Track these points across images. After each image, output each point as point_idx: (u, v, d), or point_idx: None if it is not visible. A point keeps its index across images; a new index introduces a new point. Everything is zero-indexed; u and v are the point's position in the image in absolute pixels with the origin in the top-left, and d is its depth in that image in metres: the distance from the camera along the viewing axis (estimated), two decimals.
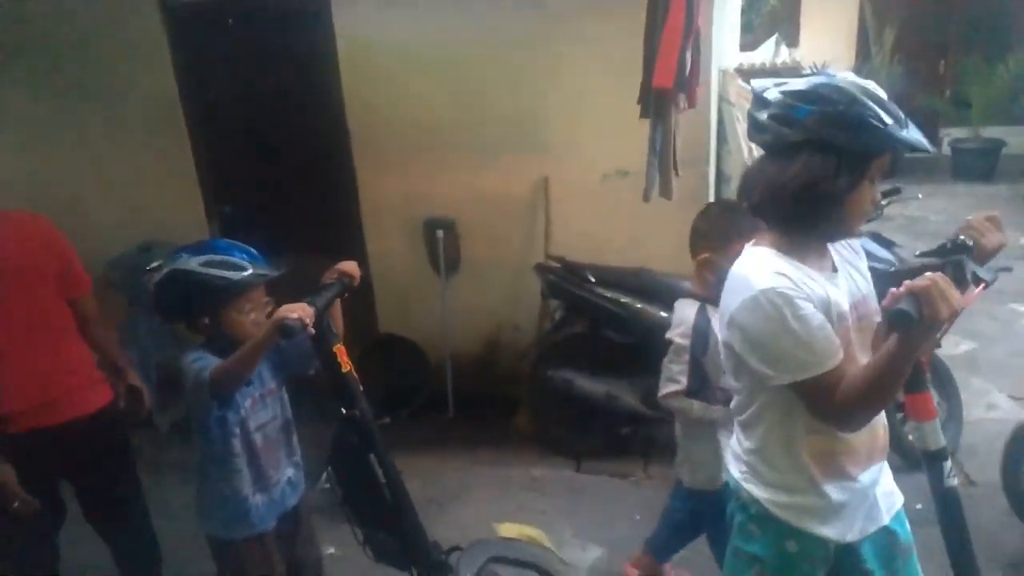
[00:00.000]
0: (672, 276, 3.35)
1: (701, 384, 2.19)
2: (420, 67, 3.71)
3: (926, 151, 1.39)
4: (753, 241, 1.50)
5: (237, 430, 1.89)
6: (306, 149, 4.05)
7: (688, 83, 2.66)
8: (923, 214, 7.10)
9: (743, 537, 1.58)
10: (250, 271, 1.86)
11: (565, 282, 3.36)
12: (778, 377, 1.38)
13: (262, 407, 1.96)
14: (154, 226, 4.04)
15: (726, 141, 3.77)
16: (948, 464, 1.55)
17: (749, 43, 5.00)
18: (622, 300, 3.21)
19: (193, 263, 1.83)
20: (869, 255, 3.20)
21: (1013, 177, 7.80)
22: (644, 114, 2.65)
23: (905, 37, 8.56)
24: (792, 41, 8.25)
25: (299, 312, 1.70)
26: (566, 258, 3.42)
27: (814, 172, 1.32)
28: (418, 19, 3.65)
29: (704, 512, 2.32)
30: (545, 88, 3.61)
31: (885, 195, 3.23)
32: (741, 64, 4.16)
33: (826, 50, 7.91)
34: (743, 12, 5.00)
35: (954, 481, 1.56)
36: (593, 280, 3.28)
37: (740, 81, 3.85)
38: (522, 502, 3.25)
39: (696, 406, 2.18)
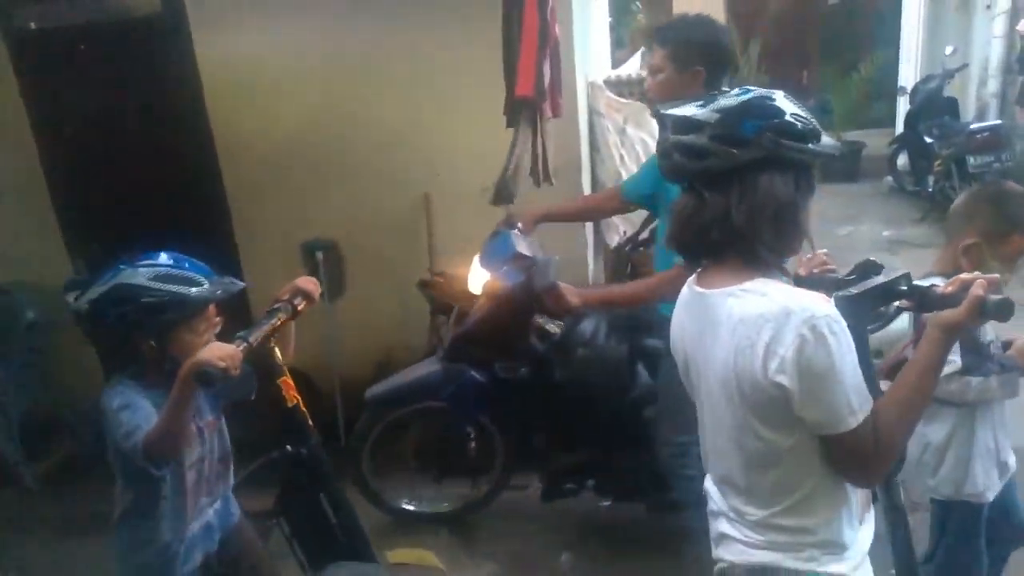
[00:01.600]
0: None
1: (976, 358, 1.89)
2: (287, 83, 3.62)
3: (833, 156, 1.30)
4: (697, 280, 1.36)
5: (167, 473, 1.70)
6: (173, 175, 3.86)
7: (550, 93, 2.72)
8: None
9: None
10: (206, 286, 1.70)
11: (450, 297, 3.34)
12: (832, 427, 1.20)
13: (199, 442, 1.79)
14: (11, 267, 3.76)
15: (598, 150, 3.87)
16: (899, 482, 1.55)
17: (624, 57, 5.18)
18: None
19: (141, 277, 1.64)
20: None
21: (873, 176, 8.39)
22: (510, 124, 2.68)
23: (770, 50, 9.13)
24: None
25: (219, 355, 1.55)
26: (449, 272, 3.41)
27: (782, 190, 1.23)
28: (283, 33, 3.56)
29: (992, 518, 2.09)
30: (421, 101, 3.58)
31: None
32: (610, 76, 4.30)
33: None
34: (614, 28, 5.18)
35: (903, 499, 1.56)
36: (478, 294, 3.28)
37: (609, 93, 3.97)
38: (411, 524, 3.19)
39: (974, 383, 1.90)
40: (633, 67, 4.53)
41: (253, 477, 1.97)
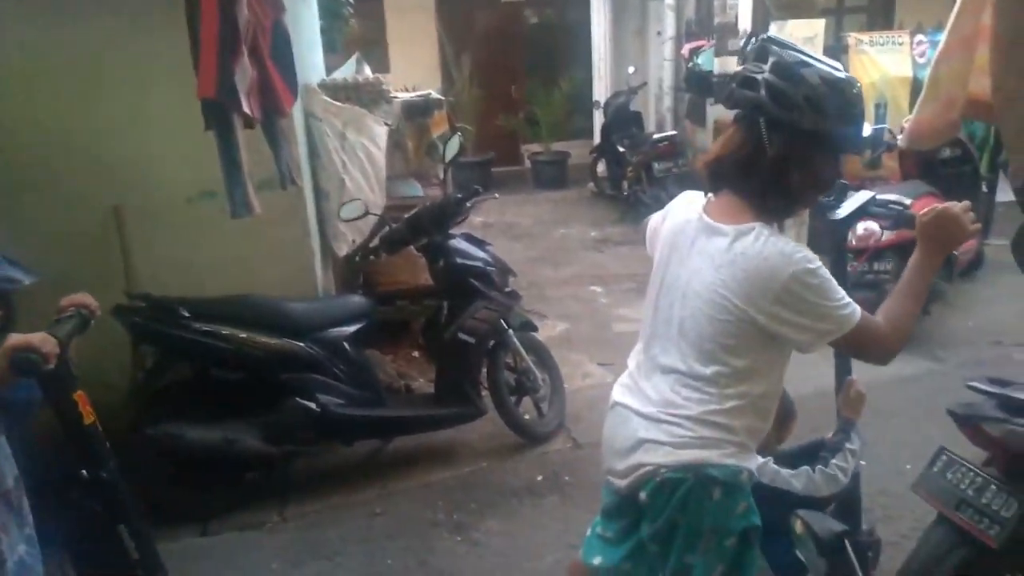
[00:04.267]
0: (282, 298, 3.17)
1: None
2: None
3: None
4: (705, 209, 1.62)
5: None
6: None
7: (258, 93, 2.49)
8: (516, 219, 8.02)
9: (739, 518, 1.60)
10: None
11: (155, 322, 2.91)
12: (839, 331, 1.50)
13: None
14: None
15: (318, 156, 3.69)
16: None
17: (338, 63, 5.03)
18: (224, 333, 2.88)
19: None
20: (462, 253, 3.44)
21: (578, 183, 9.23)
22: (207, 126, 2.40)
23: (480, 65, 9.59)
24: (383, 67, 8.64)
25: (38, 341, 1.43)
26: (152, 295, 2.97)
27: (830, 171, 1.60)
28: None
29: None
30: (109, 108, 3.14)
31: (468, 196, 3.46)
32: (324, 80, 4.14)
33: (415, 75, 8.43)
34: (324, 32, 5.01)
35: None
36: (189, 315, 2.90)
37: (325, 97, 3.81)
38: None
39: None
40: (348, 71, 4.41)
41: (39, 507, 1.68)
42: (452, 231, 3.45)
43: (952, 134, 1.78)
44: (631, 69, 8.45)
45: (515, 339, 3.52)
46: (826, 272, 1.50)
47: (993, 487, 1.85)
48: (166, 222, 3.27)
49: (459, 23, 9.77)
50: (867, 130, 5.23)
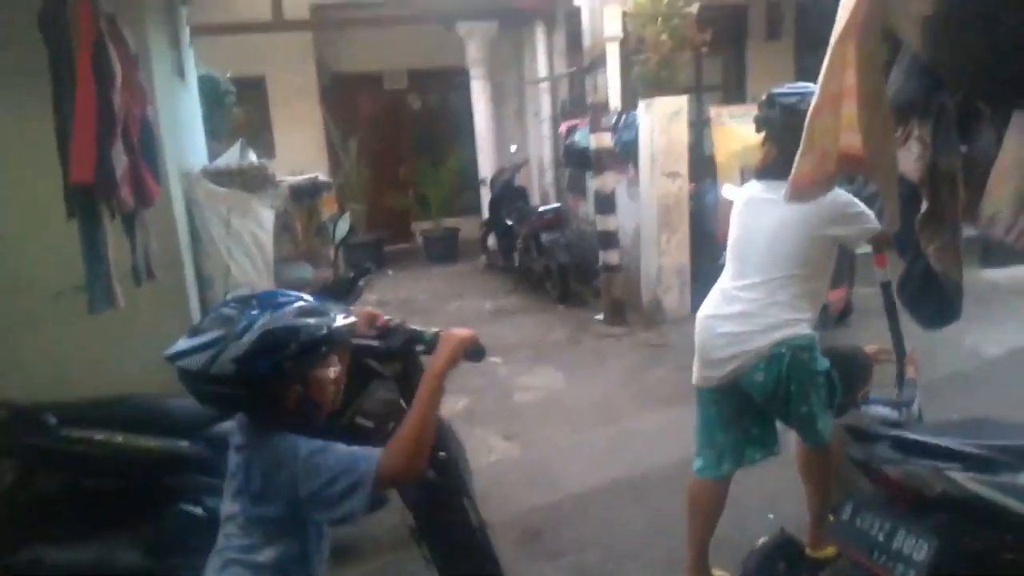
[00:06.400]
0: (164, 396, 2.97)
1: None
2: None
3: None
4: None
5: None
6: None
7: (131, 180, 2.39)
8: (411, 295, 7.99)
9: (820, 365, 2.44)
10: (333, 314, 1.56)
11: (17, 431, 2.65)
12: (872, 231, 2.43)
13: None
14: None
15: (200, 241, 3.56)
16: None
17: (223, 150, 4.94)
18: (98, 439, 2.65)
19: (287, 317, 1.49)
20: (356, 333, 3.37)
21: (470, 257, 9.36)
22: (71, 214, 2.28)
23: (368, 147, 9.68)
24: (269, 153, 8.57)
25: (467, 333, 1.69)
26: (15, 402, 2.72)
27: None
28: None
29: None
30: None
31: (360, 275, 3.43)
32: (207, 167, 4.05)
33: (301, 159, 8.39)
34: (208, 120, 4.93)
35: None
36: (56, 422, 2.65)
37: (208, 183, 3.71)
38: None
39: None
40: (232, 157, 4.34)
41: None
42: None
43: (830, 187, 1.96)
44: (513, 147, 8.78)
45: None
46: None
47: (902, 531, 1.85)
48: (26, 320, 3.03)
49: (344, 109, 9.88)
50: (731, 193, 5.64)
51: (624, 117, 6.41)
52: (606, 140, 5.94)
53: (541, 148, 8.66)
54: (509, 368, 5.71)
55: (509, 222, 8.02)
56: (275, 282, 3.84)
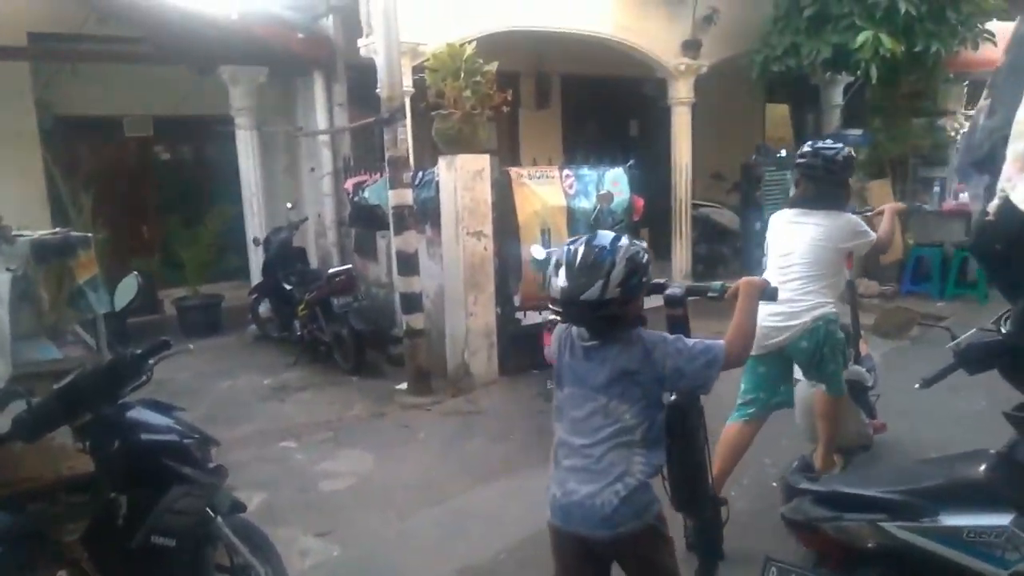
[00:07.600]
0: None
1: None
2: None
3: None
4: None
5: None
6: None
7: None
8: (169, 375, 6.63)
9: (841, 332, 3.69)
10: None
11: None
12: (868, 244, 3.70)
13: None
14: None
15: None
16: None
17: None
18: None
19: (627, 244, 2.08)
20: (146, 426, 2.64)
21: (236, 327, 8.30)
22: None
23: (105, 203, 8.24)
24: None
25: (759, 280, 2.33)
26: None
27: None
28: None
29: None
30: None
31: (152, 352, 2.67)
32: None
33: (19, 215, 6.84)
34: None
35: None
36: None
37: None
38: None
39: None
40: None
41: None
42: (128, 399, 2.61)
43: None
44: (289, 204, 8.06)
45: (226, 529, 2.71)
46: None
47: None
48: None
49: (73, 156, 8.40)
50: (540, 253, 5.60)
51: (422, 175, 6.15)
52: (407, 197, 5.59)
53: (321, 206, 8.03)
54: (306, 453, 4.99)
55: (288, 286, 7.25)
56: (13, 366, 2.87)
